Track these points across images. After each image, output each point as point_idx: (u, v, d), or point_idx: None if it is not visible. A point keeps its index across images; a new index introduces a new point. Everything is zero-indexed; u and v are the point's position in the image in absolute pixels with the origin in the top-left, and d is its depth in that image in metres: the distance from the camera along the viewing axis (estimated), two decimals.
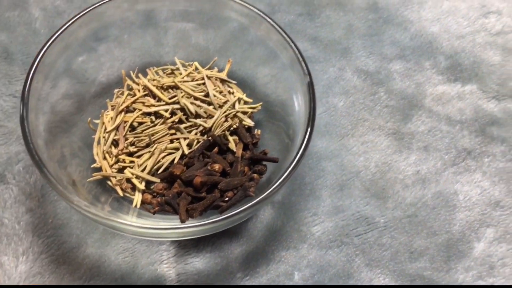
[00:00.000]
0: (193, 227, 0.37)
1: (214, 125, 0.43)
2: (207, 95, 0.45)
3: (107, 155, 0.43)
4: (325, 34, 0.56)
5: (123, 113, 0.44)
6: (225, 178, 0.41)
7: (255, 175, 0.42)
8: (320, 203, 0.45)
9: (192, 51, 0.49)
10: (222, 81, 0.47)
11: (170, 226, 0.38)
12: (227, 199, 0.40)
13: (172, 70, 0.48)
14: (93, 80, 0.47)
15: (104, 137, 0.43)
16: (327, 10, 0.58)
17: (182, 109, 0.44)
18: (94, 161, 0.43)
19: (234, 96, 0.46)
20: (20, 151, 0.46)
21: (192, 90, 0.45)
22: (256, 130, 0.46)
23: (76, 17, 0.43)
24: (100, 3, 0.44)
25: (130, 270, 0.41)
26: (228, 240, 0.43)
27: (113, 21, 0.47)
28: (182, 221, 0.39)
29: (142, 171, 0.42)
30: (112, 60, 0.48)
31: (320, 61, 0.54)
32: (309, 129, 0.40)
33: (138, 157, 0.43)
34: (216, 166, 0.41)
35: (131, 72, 0.47)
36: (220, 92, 0.46)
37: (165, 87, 0.45)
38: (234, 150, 0.43)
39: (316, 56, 0.54)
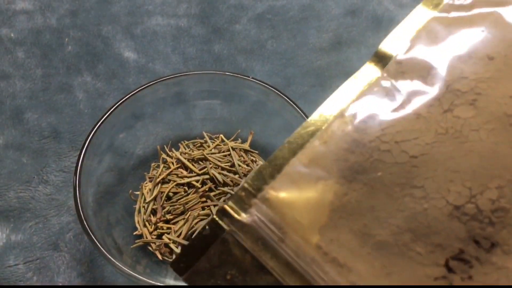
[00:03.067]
0: None
1: None
2: (233, 165, 0.50)
3: (147, 223, 0.47)
4: None
5: (159, 184, 0.48)
6: None
7: None
8: None
9: (218, 123, 0.53)
10: (246, 151, 0.52)
11: None
12: None
13: (201, 143, 0.52)
14: (131, 153, 0.51)
15: (144, 206, 0.48)
16: (337, 80, 0.61)
17: (211, 179, 0.48)
18: (136, 228, 0.47)
19: (257, 165, 0.51)
20: (70, 221, 0.49)
21: (219, 161, 0.50)
22: None
23: (120, 102, 0.47)
24: (139, 88, 0.48)
25: None
26: None
27: (149, 102, 0.50)
28: None
29: (178, 236, 0.46)
30: (147, 135, 0.51)
31: None
32: None
33: (174, 223, 0.47)
34: None
35: (165, 146, 0.51)
36: (244, 162, 0.51)
37: (195, 159, 0.50)
38: None
39: None
